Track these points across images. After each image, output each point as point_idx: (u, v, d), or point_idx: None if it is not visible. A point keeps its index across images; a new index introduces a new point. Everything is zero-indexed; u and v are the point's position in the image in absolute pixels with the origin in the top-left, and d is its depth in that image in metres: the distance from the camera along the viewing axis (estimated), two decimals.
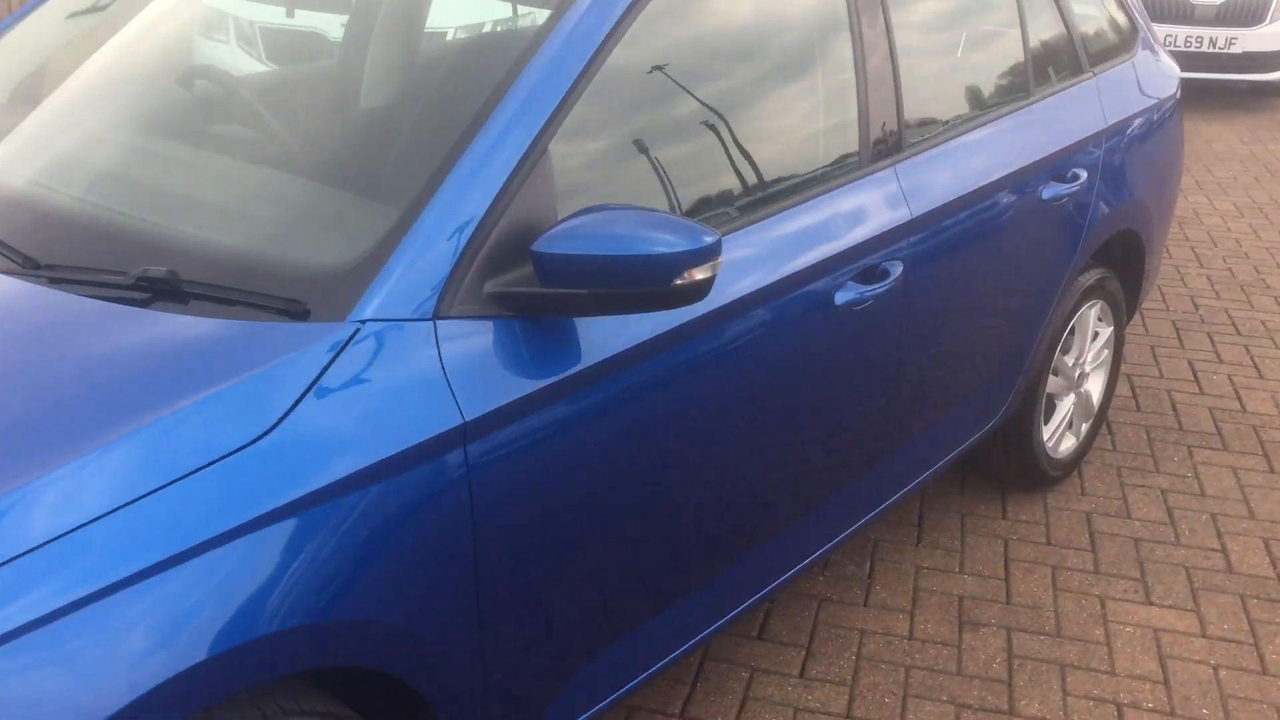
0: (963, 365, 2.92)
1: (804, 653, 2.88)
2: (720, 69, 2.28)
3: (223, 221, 1.93)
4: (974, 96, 2.90)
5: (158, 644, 1.45)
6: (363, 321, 1.69)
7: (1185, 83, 9.18)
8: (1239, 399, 4.23)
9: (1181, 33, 8.83)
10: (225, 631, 1.51)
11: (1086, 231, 3.21)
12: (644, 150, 2.11)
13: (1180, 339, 4.75)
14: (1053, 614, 3.05)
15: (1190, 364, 4.52)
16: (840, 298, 2.38)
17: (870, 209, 2.46)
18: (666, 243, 1.78)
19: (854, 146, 2.49)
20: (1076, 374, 3.55)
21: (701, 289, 1.83)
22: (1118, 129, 3.33)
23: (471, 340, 1.78)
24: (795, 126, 2.39)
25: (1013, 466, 3.47)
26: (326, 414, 1.61)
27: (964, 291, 2.78)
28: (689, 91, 2.20)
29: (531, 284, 1.82)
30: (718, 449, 2.21)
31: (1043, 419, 3.45)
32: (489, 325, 1.81)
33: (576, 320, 1.92)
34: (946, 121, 2.78)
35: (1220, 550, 3.33)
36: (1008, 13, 3.06)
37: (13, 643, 1.36)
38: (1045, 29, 3.18)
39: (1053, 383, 3.45)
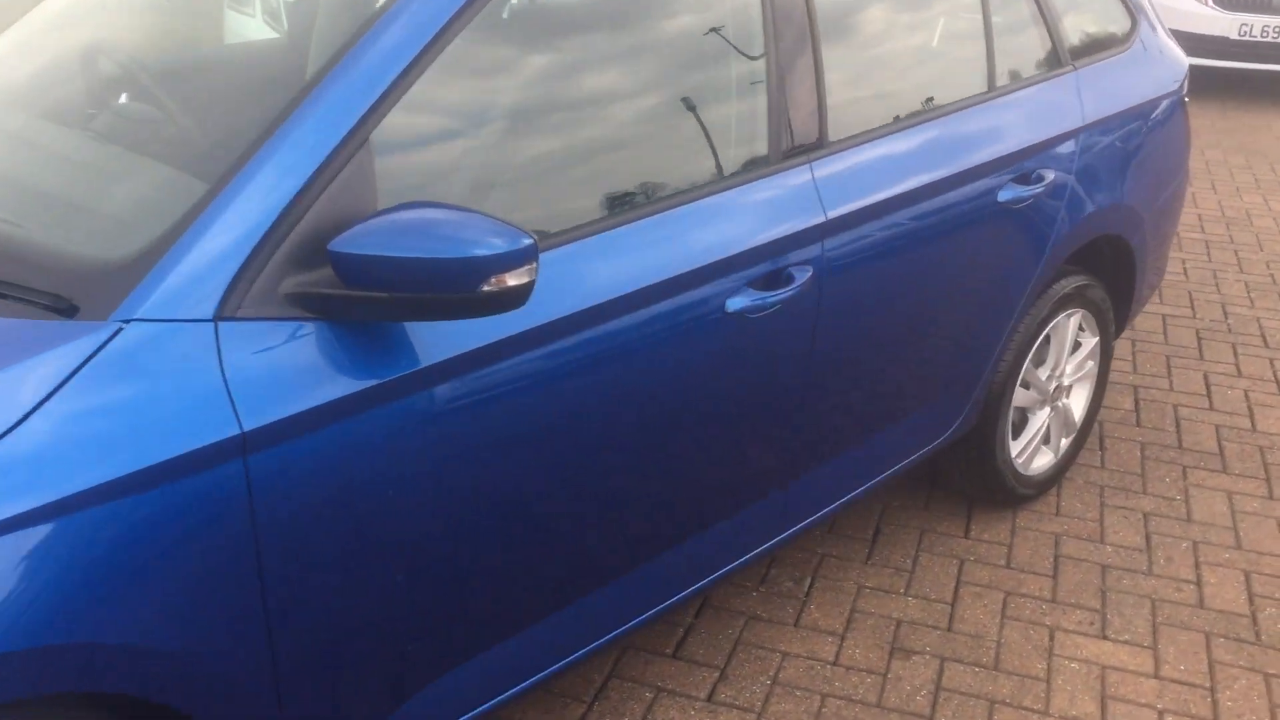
0: (899, 377, 2.73)
1: (717, 674, 2.73)
2: (592, 55, 2.12)
3: (24, 206, 1.83)
4: (920, 90, 2.70)
5: None
6: (127, 321, 1.58)
7: (1260, 75, 8.75)
8: (1250, 417, 3.96)
9: (1258, 22, 8.39)
10: None
11: (1055, 238, 2.99)
12: (493, 146, 1.97)
13: (1201, 349, 4.47)
14: (994, 644, 2.85)
15: (1205, 377, 4.24)
16: (734, 304, 2.22)
17: (775, 209, 2.29)
18: (476, 244, 1.64)
19: (761, 142, 2.32)
20: (1053, 387, 3.33)
21: (515, 296, 1.69)
22: (1099, 127, 3.10)
23: (261, 344, 1.66)
24: (683, 120, 2.22)
25: (974, 483, 3.27)
26: (72, 421, 1.51)
27: (895, 300, 2.59)
28: (552, 82, 2.05)
29: (336, 285, 1.70)
30: (573, 463, 2.06)
31: (1010, 434, 3.24)
32: (285, 328, 1.69)
33: (406, 325, 1.80)
34: (886, 117, 2.59)
35: (1194, 582, 3.10)
36: (967, 1, 2.85)
37: None
38: (1013, 19, 2.96)
39: (1023, 395, 3.24)
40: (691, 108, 2.24)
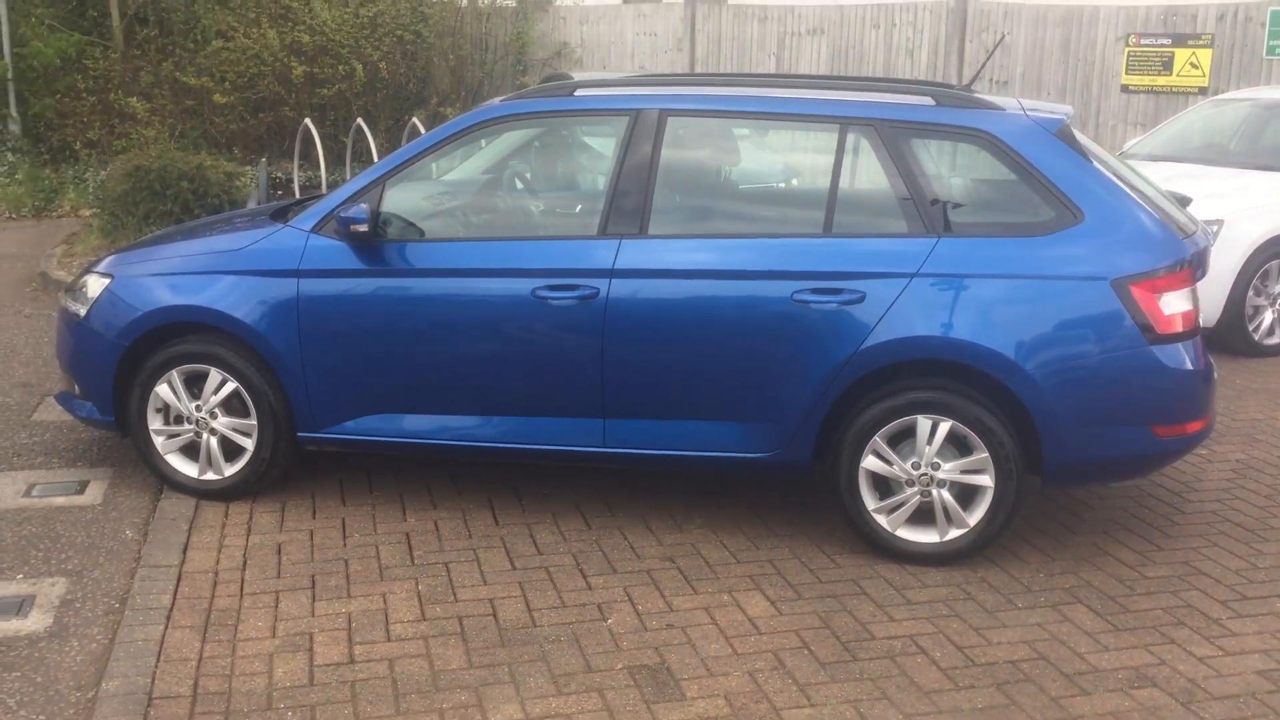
0: (686, 382, 4.45)
1: None
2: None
3: None
4: (752, 218, 4.49)
5: None
6: None
7: None
8: None
9: None
10: None
11: (867, 338, 4.28)
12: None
13: None
14: None
15: None
16: (541, 293, 4.47)
17: (582, 256, 4.49)
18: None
19: (593, 219, 4.54)
20: (917, 473, 4.34)
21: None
22: (949, 280, 4.25)
23: None
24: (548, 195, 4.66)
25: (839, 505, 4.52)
26: None
27: (673, 329, 4.42)
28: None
29: None
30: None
31: (862, 486, 4.41)
32: None
33: None
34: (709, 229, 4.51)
35: None
36: (822, 162, 4.45)
37: None
38: (869, 187, 4.40)
39: (875, 464, 4.38)
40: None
